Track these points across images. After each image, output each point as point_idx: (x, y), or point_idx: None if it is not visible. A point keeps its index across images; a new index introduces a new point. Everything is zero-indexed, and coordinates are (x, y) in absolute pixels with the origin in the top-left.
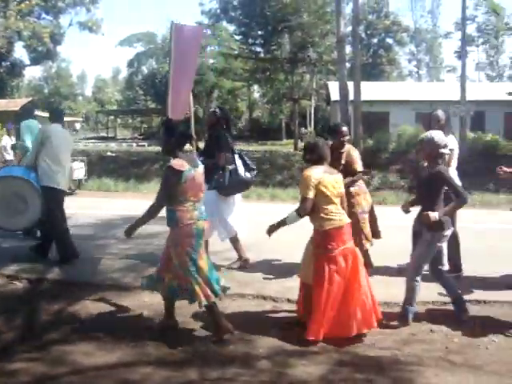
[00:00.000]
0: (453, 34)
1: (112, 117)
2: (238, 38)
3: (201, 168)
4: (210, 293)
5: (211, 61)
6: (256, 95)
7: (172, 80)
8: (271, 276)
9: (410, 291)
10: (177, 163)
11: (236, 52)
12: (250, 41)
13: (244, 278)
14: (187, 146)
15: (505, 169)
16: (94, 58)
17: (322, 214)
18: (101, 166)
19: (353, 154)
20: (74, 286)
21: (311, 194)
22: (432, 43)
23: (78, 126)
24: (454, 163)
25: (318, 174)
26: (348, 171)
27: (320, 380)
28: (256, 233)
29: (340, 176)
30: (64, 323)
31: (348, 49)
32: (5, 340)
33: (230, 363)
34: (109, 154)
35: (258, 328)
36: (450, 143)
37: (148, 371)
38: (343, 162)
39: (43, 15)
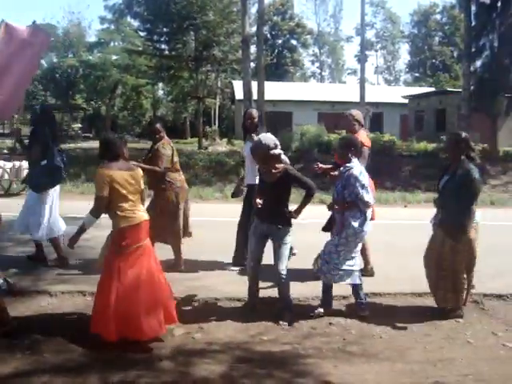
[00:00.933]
0: (353, 39)
1: None
2: (142, 34)
3: None
4: None
5: (114, 57)
6: (160, 93)
7: None
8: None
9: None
10: None
11: (140, 48)
12: (155, 37)
13: None
14: None
15: (321, 165)
16: None
17: (118, 212)
18: None
19: (161, 150)
20: None
21: (105, 193)
22: (334, 46)
23: None
24: None
25: (112, 170)
26: (155, 165)
27: (222, 377)
28: None
29: (138, 172)
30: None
31: (253, 49)
32: None
33: (131, 366)
34: (5, 151)
35: None
36: None
37: (45, 380)
38: (150, 155)
39: None
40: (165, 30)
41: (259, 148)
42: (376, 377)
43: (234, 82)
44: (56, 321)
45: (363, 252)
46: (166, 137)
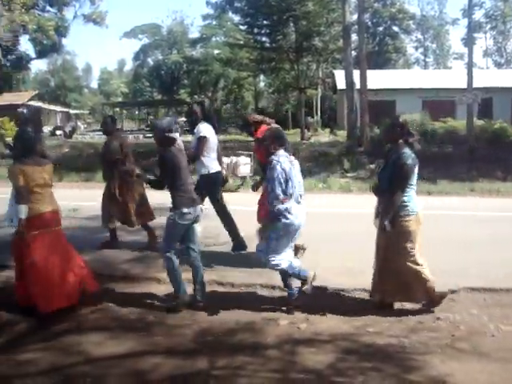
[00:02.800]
0: (460, 21)
1: (118, 109)
2: (243, 28)
3: None
4: None
5: (216, 51)
6: (262, 85)
7: None
8: None
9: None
10: None
11: (241, 42)
12: (256, 30)
13: (254, 267)
14: None
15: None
16: (99, 50)
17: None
18: None
19: (107, 144)
20: None
21: (21, 182)
22: (439, 30)
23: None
24: (209, 151)
25: (23, 165)
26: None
27: (329, 368)
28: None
29: (49, 167)
30: (75, 313)
31: (354, 37)
32: (17, 331)
33: (238, 352)
34: None
35: (266, 317)
36: (203, 131)
37: (158, 361)
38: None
39: (47, 8)
40: (265, 22)
41: (157, 129)
42: (488, 377)
43: (335, 71)
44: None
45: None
46: (116, 132)
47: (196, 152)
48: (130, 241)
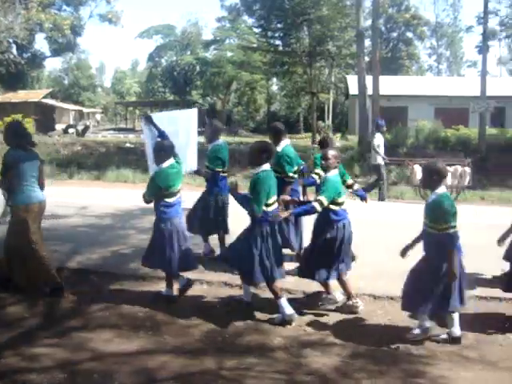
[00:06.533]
0: (474, 28)
1: (131, 108)
2: (256, 30)
3: None
4: None
5: (230, 54)
6: (274, 88)
7: None
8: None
9: None
10: None
11: (255, 45)
12: (269, 34)
13: None
14: None
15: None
16: (113, 49)
17: None
18: (119, 157)
19: None
20: (94, 274)
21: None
22: (453, 38)
23: (98, 117)
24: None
25: None
26: None
27: (335, 371)
28: None
29: None
30: (84, 311)
31: (367, 42)
32: (28, 325)
33: (246, 353)
34: (127, 145)
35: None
36: None
37: (166, 359)
38: None
39: (64, 7)
40: (279, 26)
41: None
42: None
43: (347, 76)
44: (174, 306)
45: None
46: None
47: None
48: (140, 239)
